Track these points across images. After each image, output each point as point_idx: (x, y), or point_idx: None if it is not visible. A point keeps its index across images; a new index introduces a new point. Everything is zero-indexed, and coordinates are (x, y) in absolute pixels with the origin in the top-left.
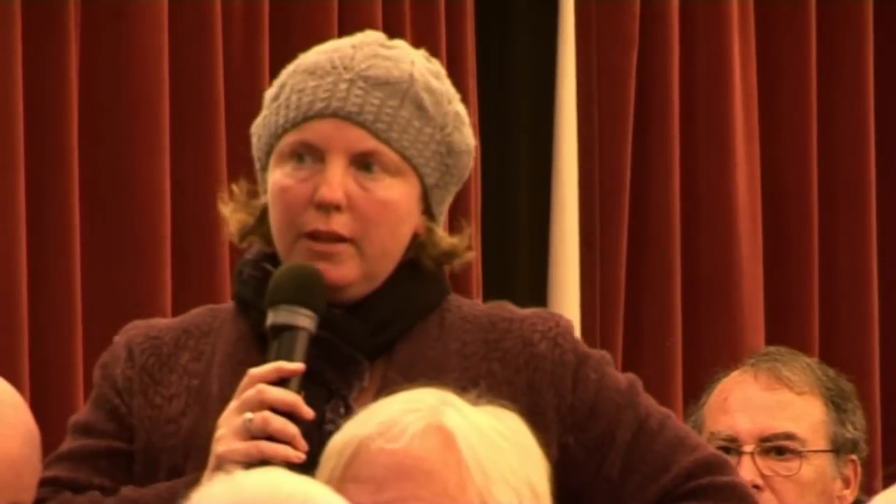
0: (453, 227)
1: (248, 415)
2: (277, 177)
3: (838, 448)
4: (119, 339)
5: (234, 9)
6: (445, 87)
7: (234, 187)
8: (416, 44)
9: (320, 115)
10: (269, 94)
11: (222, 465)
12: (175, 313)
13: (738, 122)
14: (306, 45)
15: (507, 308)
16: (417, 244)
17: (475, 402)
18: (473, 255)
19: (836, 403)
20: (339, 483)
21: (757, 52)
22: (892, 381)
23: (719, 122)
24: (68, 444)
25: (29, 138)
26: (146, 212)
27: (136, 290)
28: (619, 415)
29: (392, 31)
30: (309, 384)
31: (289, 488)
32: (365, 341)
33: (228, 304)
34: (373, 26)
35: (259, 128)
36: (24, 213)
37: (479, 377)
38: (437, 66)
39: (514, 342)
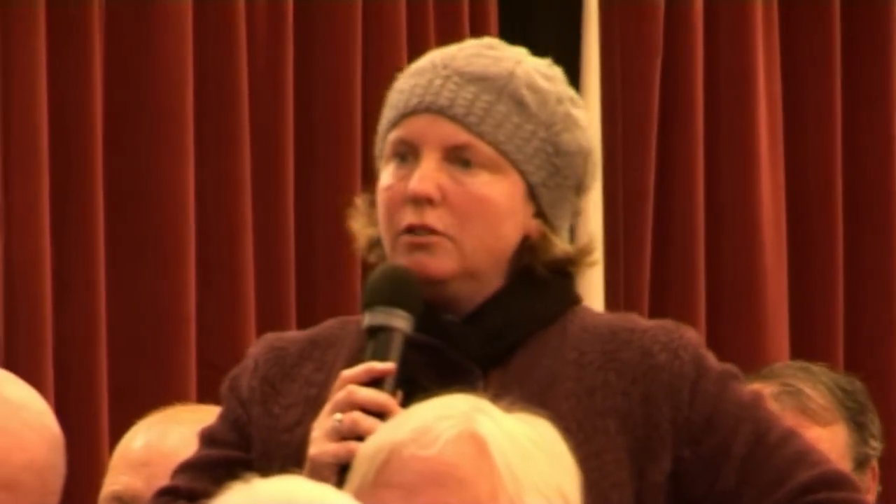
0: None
1: (338, 416)
2: (382, 178)
3: (861, 463)
4: (250, 350)
5: (257, 13)
6: (558, 88)
7: (358, 200)
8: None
9: (415, 111)
10: (386, 100)
11: (314, 467)
12: (199, 320)
13: (762, 129)
14: (330, 49)
15: (632, 319)
16: (529, 248)
17: (508, 409)
18: (596, 264)
19: (857, 423)
20: (371, 488)
21: (781, 58)
22: None
23: (743, 129)
24: (194, 453)
25: (53, 144)
26: (170, 218)
27: (160, 296)
28: (736, 428)
29: (415, 37)
30: (416, 391)
31: (305, 496)
32: (477, 351)
33: (358, 316)
34: (396, 32)
35: (377, 134)
36: (49, 220)
37: (595, 387)
38: (553, 72)
39: (633, 353)
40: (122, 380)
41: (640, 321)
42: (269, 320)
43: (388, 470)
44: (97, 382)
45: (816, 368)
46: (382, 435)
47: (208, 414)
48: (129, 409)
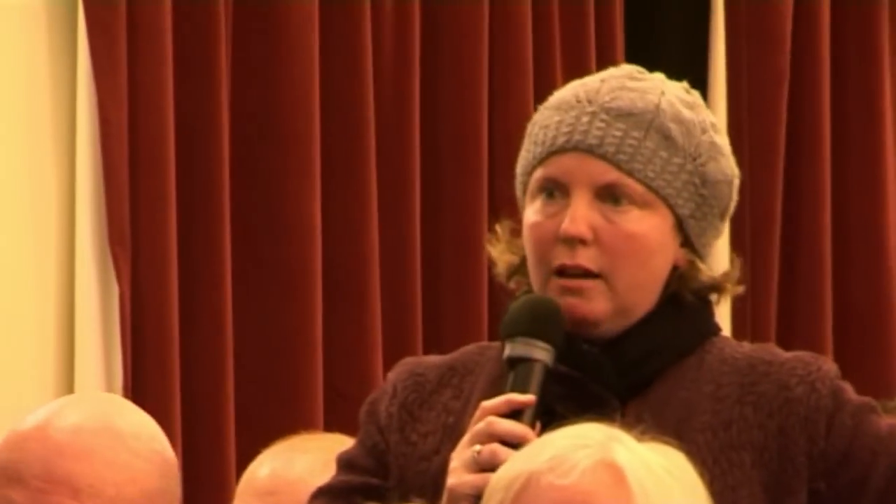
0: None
1: (477, 447)
2: (529, 214)
3: None
4: (389, 375)
5: (384, 42)
6: (700, 117)
7: (499, 227)
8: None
9: (563, 150)
10: (526, 132)
11: (452, 497)
12: (325, 347)
13: (889, 155)
14: (456, 77)
15: (771, 351)
16: (678, 277)
17: (640, 438)
18: (742, 290)
19: None
20: None
21: None
22: None
23: (871, 156)
24: (332, 478)
25: (180, 174)
26: (296, 245)
27: (287, 324)
28: (874, 462)
29: (540, 33)
30: (554, 422)
31: None
32: (615, 381)
33: (497, 343)
34: (523, 63)
35: (517, 167)
36: (175, 248)
37: (731, 420)
38: (693, 98)
39: (770, 386)
40: (249, 408)
41: (779, 353)
42: (396, 347)
43: (524, 498)
44: (224, 410)
45: None
46: (518, 463)
47: (335, 442)
48: (255, 437)
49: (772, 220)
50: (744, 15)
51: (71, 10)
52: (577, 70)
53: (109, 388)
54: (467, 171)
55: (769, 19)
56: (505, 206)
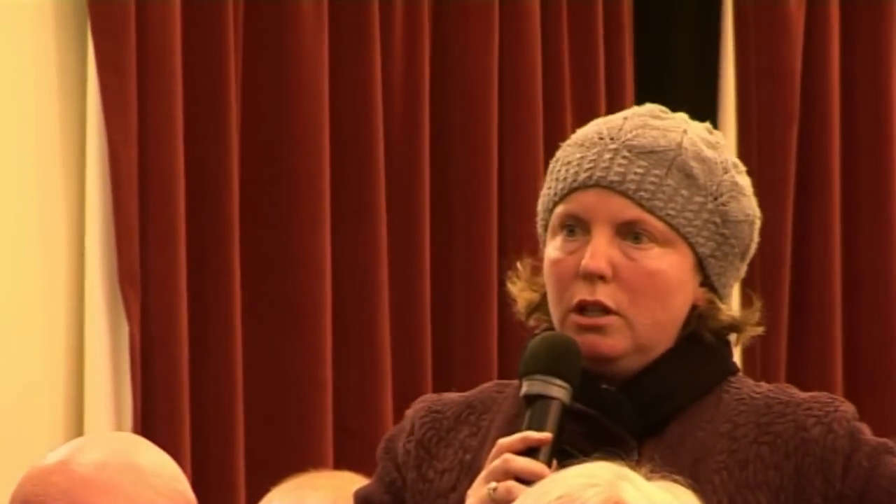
0: (744, 301)
1: (493, 484)
2: (549, 251)
3: None
4: (408, 412)
5: (393, 78)
6: (723, 156)
7: (519, 265)
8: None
9: (584, 186)
10: (549, 169)
11: None
12: (335, 386)
13: None
14: (466, 115)
15: (788, 391)
16: (697, 316)
17: (649, 477)
18: (762, 330)
19: None
20: None
21: None
22: None
23: (881, 197)
24: None
25: (189, 212)
26: (306, 284)
27: (297, 363)
28: (890, 503)
29: (550, 74)
30: (571, 460)
31: None
32: (633, 420)
33: (515, 381)
34: (533, 102)
35: (539, 204)
36: (185, 287)
37: (748, 460)
38: (715, 138)
39: (787, 426)
40: (259, 446)
41: (797, 393)
42: (406, 385)
43: None
44: (234, 449)
45: None
46: (528, 501)
47: (344, 480)
48: (265, 475)
49: (781, 261)
50: (754, 54)
51: (81, 47)
52: (586, 110)
53: (119, 428)
54: (477, 208)
55: (779, 59)
56: (514, 244)
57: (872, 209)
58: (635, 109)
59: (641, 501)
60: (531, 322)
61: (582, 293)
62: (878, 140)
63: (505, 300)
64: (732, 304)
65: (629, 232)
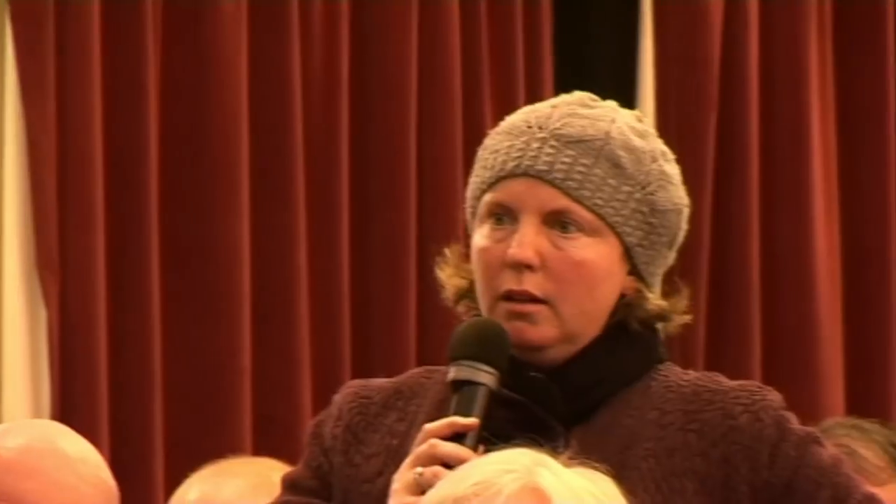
0: (670, 289)
1: (419, 469)
2: (477, 238)
3: None
4: (336, 397)
5: (313, 66)
6: (651, 145)
7: (448, 251)
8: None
9: (513, 175)
10: (477, 156)
11: None
12: (254, 373)
13: (817, 182)
14: (385, 102)
15: (716, 379)
16: (625, 305)
17: (567, 464)
18: (689, 318)
19: None
20: None
21: (836, 112)
22: None
23: (799, 182)
24: (276, 499)
25: (108, 199)
26: (225, 271)
27: (215, 350)
28: (816, 493)
29: (468, 60)
30: (499, 446)
31: None
32: (561, 407)
33: (444, 367)
34: (451, 83)
35: (467, 191)
36: (104, 274)
37: (675, 448)
38: (644, 126)
39: (714, 414)
40: (178, 433)
41: (724, 382)
42: (324, 372)
43: None
44: (152, 435)
45: (869, 426)
46: (444, 488)
47: (263, 466)
48: (184, 462)
49: (700, 246)
50: (673, 40)
51: None
52: (505, 99)
53: (37, 413)
54: (395, 196)
55: (698, 45)
56: (433, 232)
57: (791, 195)
58: (564, 98)
59: (559, 488)
60: (460, 308)
61: (509, 283)
62: (796, 126)
63: (424, 288)
64: (657, 291)
65: (556, 221)
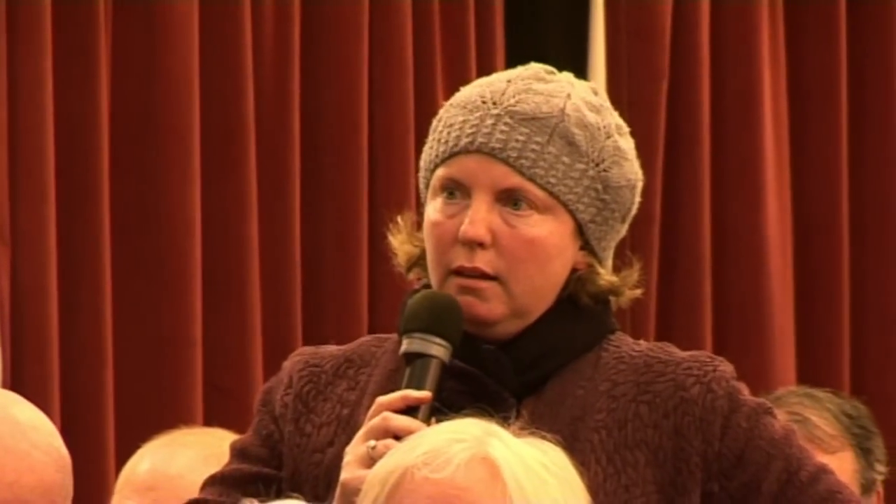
0: (622, 263)
1: (372, 442)
2: (430, 212)
3: (867, 488)
4: (285, 364)
5: (264, 36)
6: (606, 120)
7: (400, 219)
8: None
9: (466, 151)
10: (431, 127)
11: (344, 492)
12: (205, 343)
13: (768, 154)
14: (336, 71)
15: (667, 350)
16: (576, 280)
17: (517, 434)
18: (640, 292)
19: (863, 449)
20: None
21: (787, 83)
22: None
23: (750, 154)
24: (225, 466)
25: (60, 167)
26: (176, 241)
27: (167, 319)
28: (767, 465)
29: (420, 31)
30: (450, 418)
31: None
32: (513, 379)
33: (394, 335)
34: (403, 57)
35: (421, 161)
36: (55, 243)
37: (626, 419)
38: (599, 100)
39: (666, 385)
40: (129, 403)
41: (676, 352)
42: (276, 342)
43: (399, 493)
44: (104, 405)
45: (821, 394)
46: (394, 458)
47: (214, 437)
48: (135, 432)
49: (651, 219)
50: (624, 12)
51: None
52: (457, 68)
53: None
54: (347, 167)
55: (649, 17)
56: (384, 203)
57: (741, 166)
58: (519, 71)
59: (508, 457)
60: (411, 276)
61: (460, 259)
62: (747, 98)
63: (375, 258)
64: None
65: (509, 199)
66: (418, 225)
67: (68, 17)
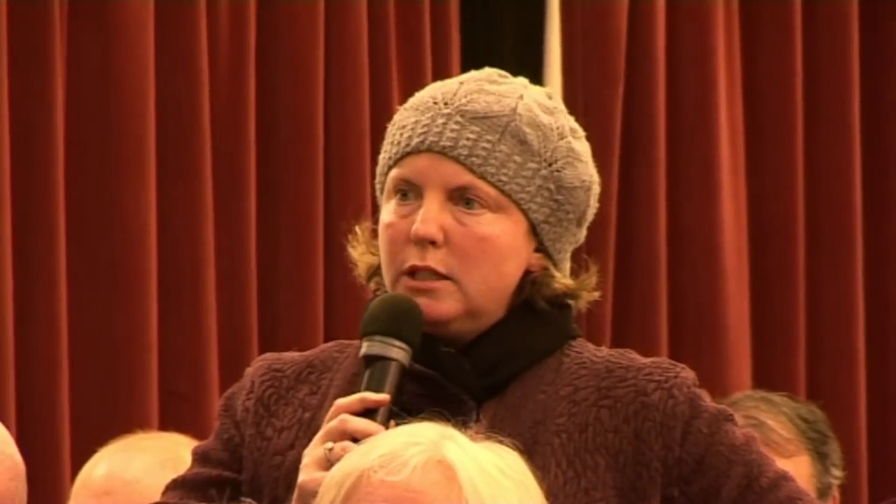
0: (579, 267)
1: (329, 444)
2: (384, 214)
3: (823, 493)
4: (248, 370)
5: (220, 41)
6: (560, 122)
7: (358, 229)
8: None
9: (417, 151)
10: (386, 132)
11: (302, 494)
12: (160, 348)
13: (723, 157)
14: (292, 75)
15: (629, 356)
16: (530, 282)
17: (474, 438)
18: (598, 296)
19: (819, 453)
20: None
21: (743, 86)
22: (878, 417)
23: (705, 157)
24: (187, 470)
25: (14, 172)
26: (132, 246)
27: (122, 324)
28: (728, 471)
29: (376, 34)
30: (410, 421)
31: None
32: (473, 382)
33: (358, 342)
34: (358, 59)
35: (377, 167)
36: (10, 248)
37: (587, 424)
38: (553, 103)
39: (627, 391)
40: (84, 407)
41: (637, 358)
42: (231, 347)
43: (355, 495)
44: (59, 410)
45: (778, 399)
46: (350, 461)
47: (171, 441)
48: (90, 436)
49: (607, 221)
50: (579, 15)
51: None
52: (412, 71)
53: None
54: (303, 171)
55: (604, 20)
56: (341, 207)
57: (697, 170)
58: (473, 74)
59: (465, 460)
60: (371, 285)
61: (413, 258)
62: (703, 101)
63: (331, 262)
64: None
65: (461, 197)
66: (375, 233)
67: (23, 20)
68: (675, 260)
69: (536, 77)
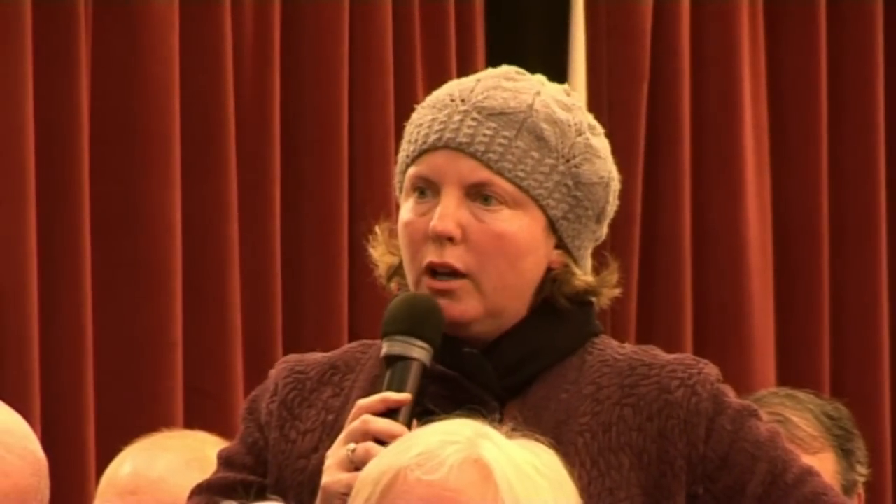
0: (601, 265)
1: (352, 445)
2: (402, 212)
3: (848, 490)
4: (272, 372)
5: (244, 38)
6: (577, 118)
7: (378, 229)
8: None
9: (434, 148)
10: (405, 130)
11: (326, 496)
12: (185, 345)
13: (748, 155)
14: (316, 73)
15: (652, 353)
16: (551, 280)
17: (510, 435)
18: (619, 293)
19: (844, 450)
20: None
21: (767, 84)
22: None
23: (730, 155)
24: (211, 475)
25: (40, 170)
26: (157, 243)
27: (147, 322)
28: (752, 467)
29: (401, 32)
30: (432, 421)
31: None
32: (494, 382)
33: (380, 341)
34: (383, 57)
35: (397, 165)
36: (35, 245)
37: (610, 423)
38: (571, 100)
39: (650, 388)
40: (109, 406)
41: (661, 355)
42: (256, 345)
43: (391, 494)
44: (84, 408)
45: (803, 396)
46: (386, 458)
47: (196, 440)
48: (115, 435)
49: (631, 220)
50: (604, 13)
51: None
52: (437, 70)
53: None
54: (327, 169)
55: (629, 18)
56: (364, 205)
57: (721, 168)
58: (490, 71)
59: (501, 459)
60: (392, 286)
61: (431, 255)
62: (728, 99)
63: (355, 260)
64: (586, 265)
65: (479, 194)
66: (395, 232)
67: (48, 19)
68: (700, 258)
69: (561, 75)
